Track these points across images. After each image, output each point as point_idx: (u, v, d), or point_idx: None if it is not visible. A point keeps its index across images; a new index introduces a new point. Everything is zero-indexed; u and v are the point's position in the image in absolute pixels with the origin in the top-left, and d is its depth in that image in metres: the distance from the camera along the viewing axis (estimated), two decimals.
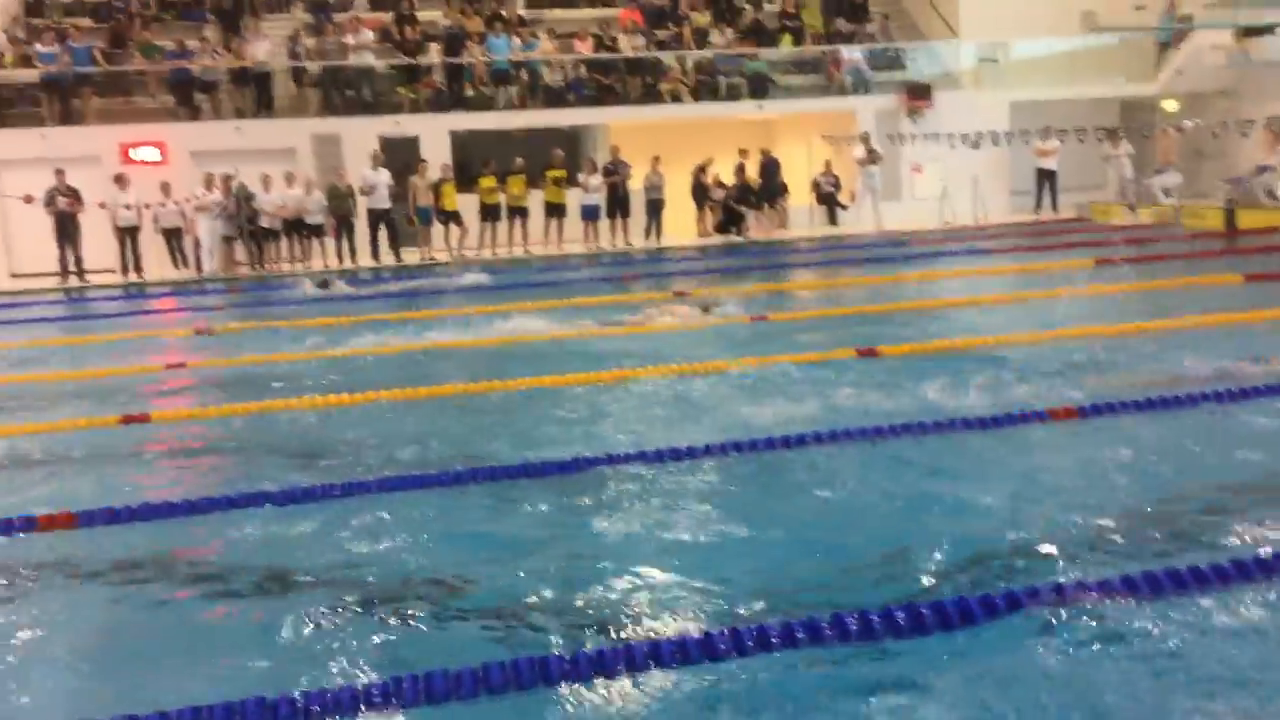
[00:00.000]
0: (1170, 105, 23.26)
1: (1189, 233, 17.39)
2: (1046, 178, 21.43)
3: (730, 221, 20.67)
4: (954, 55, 24.10)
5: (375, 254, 18.76)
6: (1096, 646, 3.56)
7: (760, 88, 22.27)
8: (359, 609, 4.16)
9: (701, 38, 23.10)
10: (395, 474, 5.79)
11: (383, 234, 18.74)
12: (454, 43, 21.06)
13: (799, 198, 21.71)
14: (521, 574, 4.42)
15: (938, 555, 4.36)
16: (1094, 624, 3.68)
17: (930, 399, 6.94)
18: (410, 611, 4.13)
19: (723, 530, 4.84)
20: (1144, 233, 17.78)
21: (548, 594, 4.21)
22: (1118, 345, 8.51)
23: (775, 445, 6.00)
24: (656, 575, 4.33)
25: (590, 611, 4.05)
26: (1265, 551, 4.09)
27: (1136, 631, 3.63)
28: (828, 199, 21.78)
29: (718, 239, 20.38)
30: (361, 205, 18.53)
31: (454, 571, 4.54)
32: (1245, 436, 5.79)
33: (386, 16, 22.13)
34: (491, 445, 6.42)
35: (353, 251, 18.57)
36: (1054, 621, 3.70)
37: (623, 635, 3.81)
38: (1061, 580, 3.97)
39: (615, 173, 19.50)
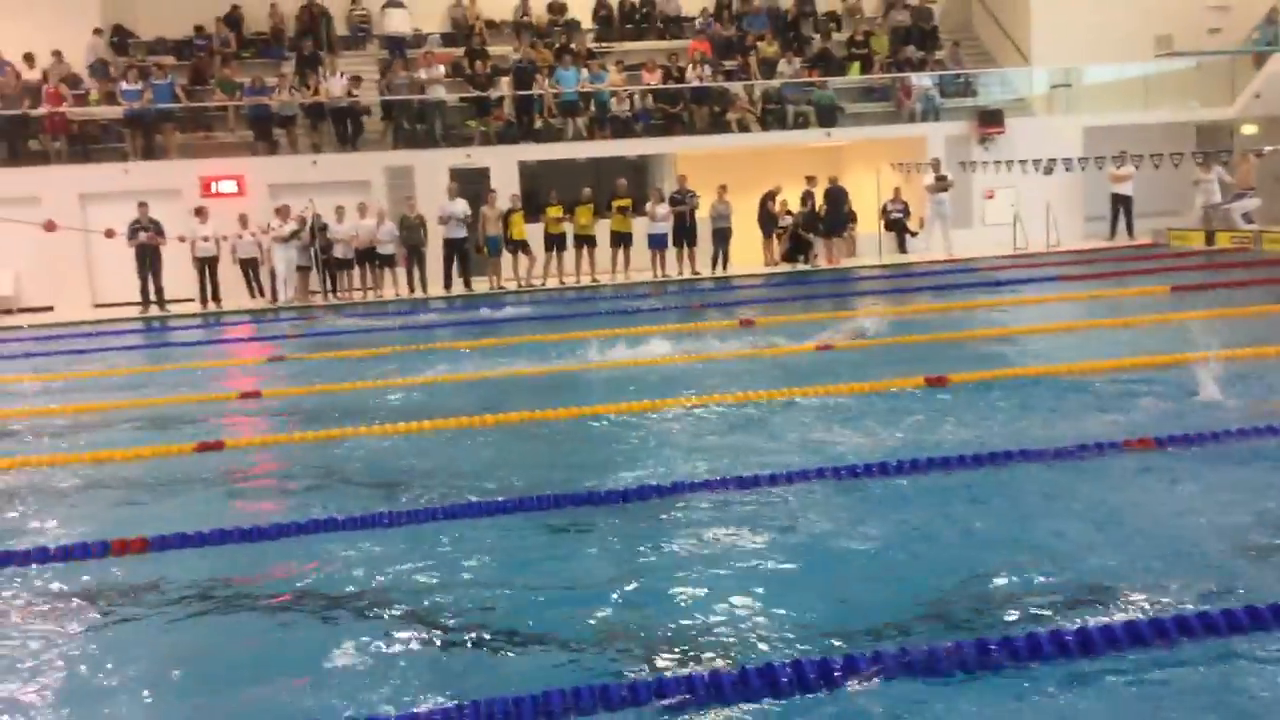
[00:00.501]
0: (1249, 129, 22.76)
1: (1269, 259, 16.93)
2: (1122, 203, 21.08)
3: (797, 250, 20.62)
4: (1026, 81, 23.91)
5: (448, 283, 19.01)
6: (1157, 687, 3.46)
7: (828, 115, 22.23)
8: (424, 634, 4.19)
9: (769, 67, 23.15)
10: (463, 501, 5.84)
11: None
12: (523, 76, 21.36)
13: (868, 225, 21.58)
14: (587, 601, 4.42)
15: (1009, 588, 4.28)
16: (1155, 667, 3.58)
17: (999, 428, 6.84)
18: (474, 637, 4.15)
19: (791, 560, 4.79)
20: (1223, 258, 17.36)
21: (612, 620, 4.21)
22: (1193, 375, 8.29)
23: (844, 474, 5.94)
24: (723, 603, 4.30)
25: (656, 639, 4.03)
26: None
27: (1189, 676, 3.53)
28: (897, 226, 21.64)
29: (785, 267, 20.33)
30: (435, 235, 18.82)
31: (519, 598, 4.56)
32: None
33: (458, 51, 22.57)
34: (562, 472, 6.44)
35: (423, 281, 18.85)
36: (1116, 662, 3.61)
37: (687, 664, 3.79)
38: (1131, 617, 3.87)
39: (682, 202, 19.57)
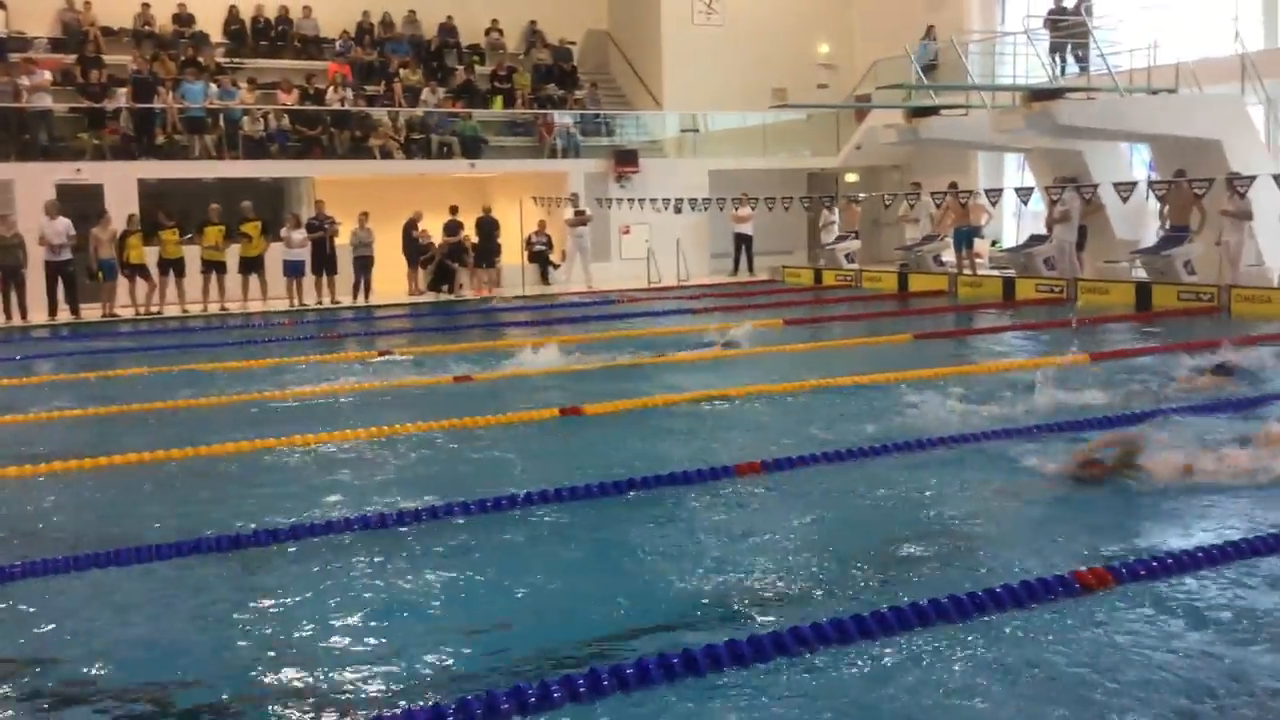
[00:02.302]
0: (851, 177, 25.27)
1: (869, 294, 18.80)
2: (743, 242, 22.69)
3: (442, 279, 20.52)
4: (659, 124, 25.23)
5: (53, 310, 17.26)
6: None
7: (473, 147, 22.35)
8: None
9: (413, 95, 22.98)
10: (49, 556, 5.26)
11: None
12: (144, 88, 19.88)
13: (512, 257, 21.87)
14: (188, 651, 4.10)
15: (642, 605, 4.41)
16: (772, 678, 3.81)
17: (628, 455, 7.08)
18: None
19: (417, 599, 4.69)
20: (830, 294, 19.08)
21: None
22: (801, 401, 9.01)
23: (474, 509, 5.91)
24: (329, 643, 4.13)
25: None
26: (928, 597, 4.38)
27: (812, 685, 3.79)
28: (540, 258, 22.09)
29: (430, 297, 20.14)
30: (35, 257, 17.03)
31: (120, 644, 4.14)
32: (906, 487, 6.23)
33: (69, 58, 20.69)
34: (174, 520, 5.94)
35: (22, 308, 17.00)
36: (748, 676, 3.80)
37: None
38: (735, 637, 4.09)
39: (320, 228, 18.92)
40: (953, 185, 19.65)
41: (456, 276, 20.57)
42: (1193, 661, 3.87)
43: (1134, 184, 16.40)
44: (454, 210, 20.71)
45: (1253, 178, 14.26)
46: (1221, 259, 15.24)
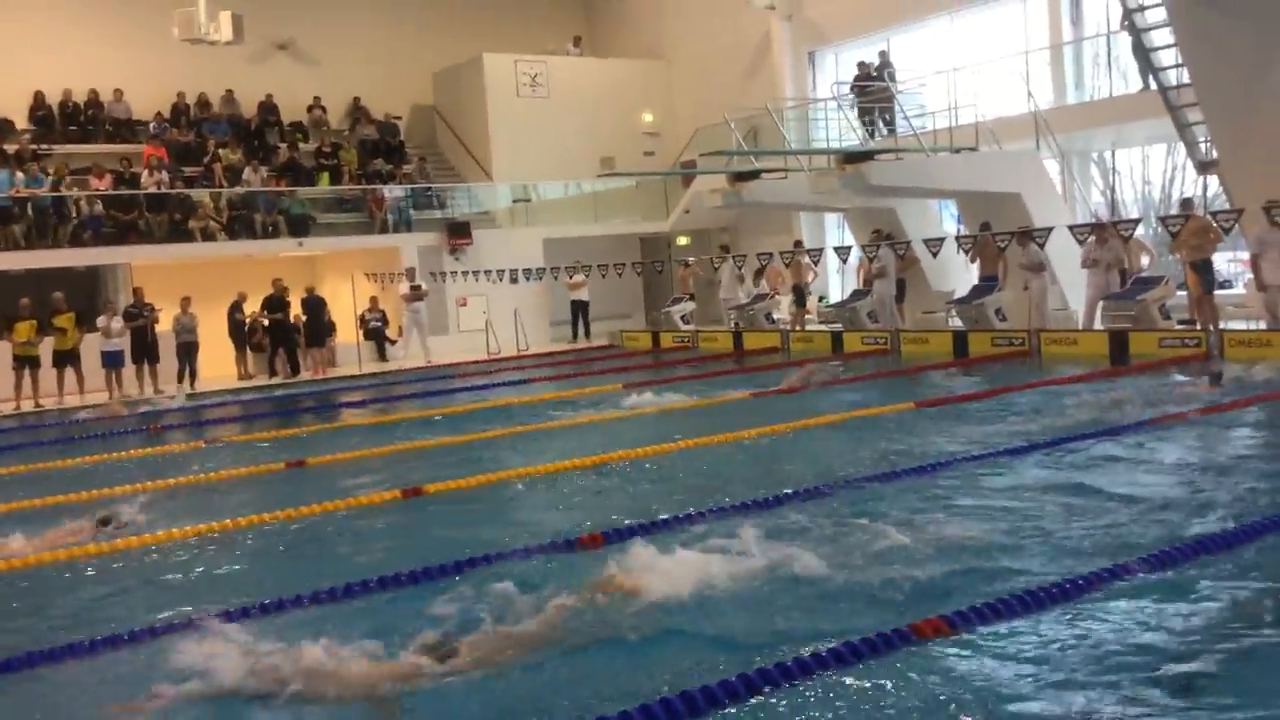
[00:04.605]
0: (682, 240, 25.88)
1: (705, 355, 19.19)
2: (580, 308, 22.87)
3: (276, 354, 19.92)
4: (490, 196, 25.35)
5: None
6: None
7: (300, 225, 21.95)
8: None
9: (234, 175, 22.47)
10: None
11: None
12: None
13: (347, 335, 21.48)
14: None
15: None
16: None
17: (466, 537, 6.99)
18: None
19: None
20: (668, 357, 19.39)
21: None
22: (639, 467, 9.11)
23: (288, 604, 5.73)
24: None
25: None
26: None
27: None
28: (375, 334, 21.77)
29: (261, 380, 19.54)
30: None
31: None
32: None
33: None
34: None
35: None
36: None
37: None
38: None
39: (140, 315, 18.19)
40: (798, 244, 20.45)
41: (297, 357, 20.01)
42: None
43: (942, 239, 17.33)
44: (276, 283, 19.97)
45: (1046, 230, 15.25)
46: (1030, 305, 16.18)
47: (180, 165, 22.49)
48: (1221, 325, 14.18)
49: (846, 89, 21.27)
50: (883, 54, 21.81)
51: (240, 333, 19.87)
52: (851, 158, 16.70)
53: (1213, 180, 16.38)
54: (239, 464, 10.46)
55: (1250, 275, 14.63)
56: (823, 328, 19.65)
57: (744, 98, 22.29)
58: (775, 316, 20.63)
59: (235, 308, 19.72)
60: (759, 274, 20.90)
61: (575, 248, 22.90)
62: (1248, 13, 13.02)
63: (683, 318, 22.05)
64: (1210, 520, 6.23)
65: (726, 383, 14.74)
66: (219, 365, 19.77)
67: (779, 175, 19.71)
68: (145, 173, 21.17)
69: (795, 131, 21.39)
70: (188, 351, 18.68)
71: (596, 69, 27.14)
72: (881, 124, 20.58)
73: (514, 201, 25.35)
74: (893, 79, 20.13)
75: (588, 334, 22.87)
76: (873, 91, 20.58)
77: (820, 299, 22.03)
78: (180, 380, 18.60)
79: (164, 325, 18.59)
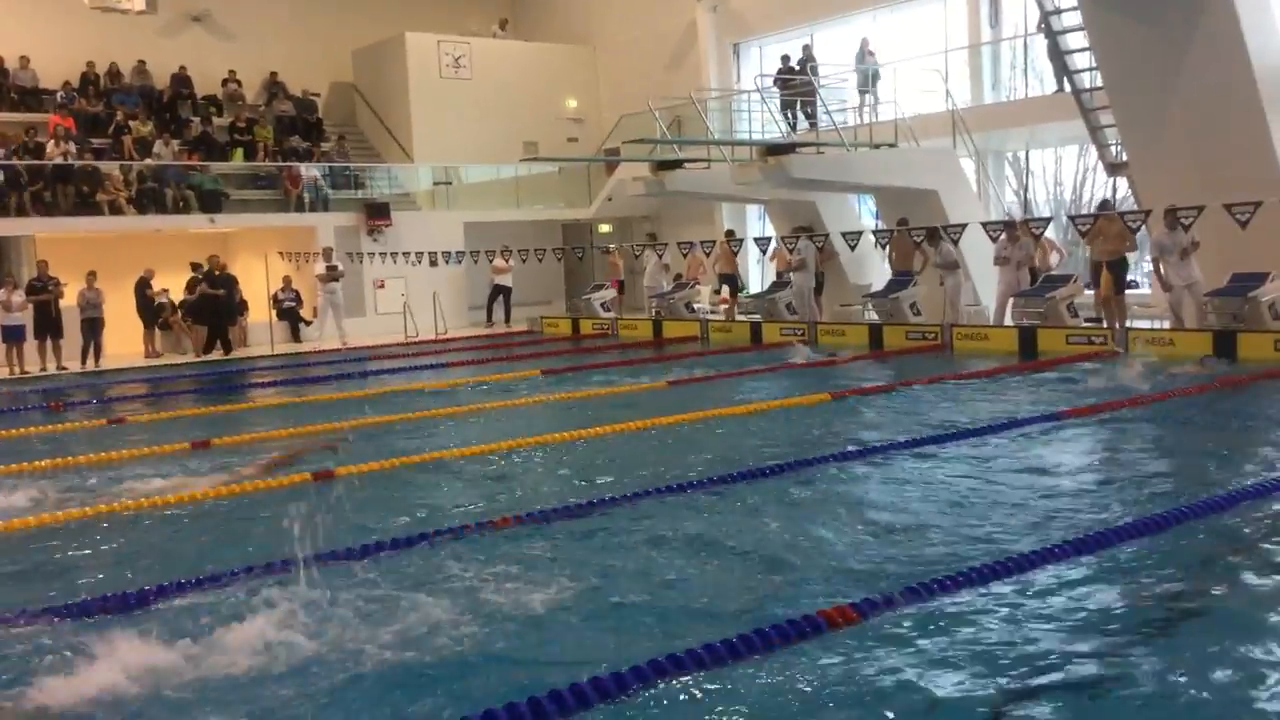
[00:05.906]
0: (605, 228, 25.82)
1: (625, 343, 19.18)
2: (502, 293, 22.70)
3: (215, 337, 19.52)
4: (411, 177, 25.00)
5: None
6: None
7: (212, 201, 21.44)
8: None
9: (145, 147, 21.85)
10: None
11: None
12: None
13: (259, 314, 21.04)
14: None
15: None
16: None
17: (375, 520, 6.89)
18: None
19: None
20: (588, 344, 19.34)
21: None
22: (555, 453, 9.08)
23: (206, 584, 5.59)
24: None
25: None
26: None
27: None
28: (289, 315, 21.36)
29: (168, 359, 19.05)
30: None
31: None
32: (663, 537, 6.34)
33: None
34: None
35: None
36: None
37: None
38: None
39: (43, 289, 17.61)
40: (729, 233, 20.55)
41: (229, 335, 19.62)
42: None
43: (860, 233, 17.55)
44: (195, 267, 19.73)
45: (961, 226, 15.53)
46: (944, 300, 16.47)
47: (88, 136, 21.80)
48: (1128, 323, 14.60)
49: (770, 82, 21.40)
50: (806, 48, 22.00)
51: (149, 310, 19.35)
52: (774, 150, 16.83)
53: (1122, 182, 16.84)
54: (141, 444, 10.18)
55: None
56: (741, 318, 19.78)
57: (668, 87, 22.29)
58: (695, 305, 20.71)
59: (143, 283, 19.19)
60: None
61: (497, 232, 22.73)
62: (1158, 19, 13.38)
63: (603, 305, 22.02)
64: (1109, 514, 6.41)
65: (645, 371, 14.75)
66: (125, 343, 19.24)
67: (702, 165, 19.76)
68: (51, 143, 20.47)
69: (719, 122, 21.46)
70: (92, 328, 18.14)
71: (521, 52, 26.94)
72: (804, 118, 20.76)
73: (435, 184, 25.05)
74: (815, 73, 20.31)
75: (508, 319, 22.71)
76: (795, 85, 20.75)
77: (739, 289, 22.16)
78: (84, 358, 18.06)
79: (69, 300, 18.02)
